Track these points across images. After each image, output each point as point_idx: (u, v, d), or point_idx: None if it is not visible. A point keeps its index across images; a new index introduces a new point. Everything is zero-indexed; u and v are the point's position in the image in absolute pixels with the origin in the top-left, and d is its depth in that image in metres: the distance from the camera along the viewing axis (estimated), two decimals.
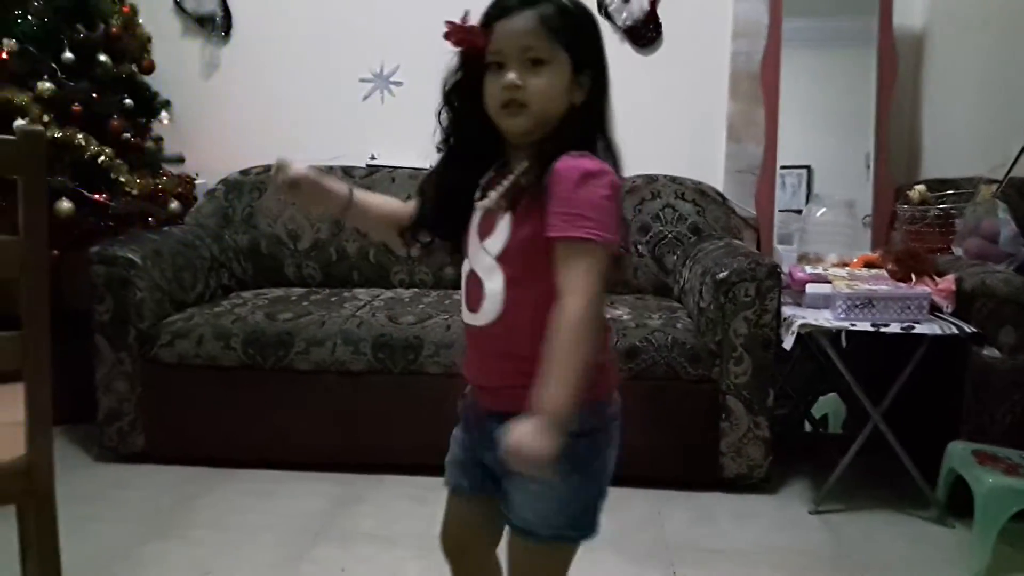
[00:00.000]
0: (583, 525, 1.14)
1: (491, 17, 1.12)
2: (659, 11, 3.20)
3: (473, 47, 1.11)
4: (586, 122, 1.13)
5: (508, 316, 1.11)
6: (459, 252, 1.22)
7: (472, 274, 1.15)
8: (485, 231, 1.14)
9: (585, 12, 1.15)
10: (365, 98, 3.29)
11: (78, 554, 1.46)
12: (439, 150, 1.21)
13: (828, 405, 2.98)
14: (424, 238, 1.26)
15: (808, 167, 3.34)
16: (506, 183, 1.13)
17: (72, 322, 2.61)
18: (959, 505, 2.10)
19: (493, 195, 1.14)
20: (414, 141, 3.26)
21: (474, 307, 1.14)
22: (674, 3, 3.19)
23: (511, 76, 1.09)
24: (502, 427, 0.99)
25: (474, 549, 1.31)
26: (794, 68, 3.12)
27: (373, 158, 3.22)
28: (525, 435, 0.95)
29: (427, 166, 3.34)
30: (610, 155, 1.13)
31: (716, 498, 2.34)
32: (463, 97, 1.15)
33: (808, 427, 2.97)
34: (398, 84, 3.28)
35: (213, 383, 2.46)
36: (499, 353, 1.14)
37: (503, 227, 1.11)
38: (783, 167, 3.23)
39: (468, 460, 1.23)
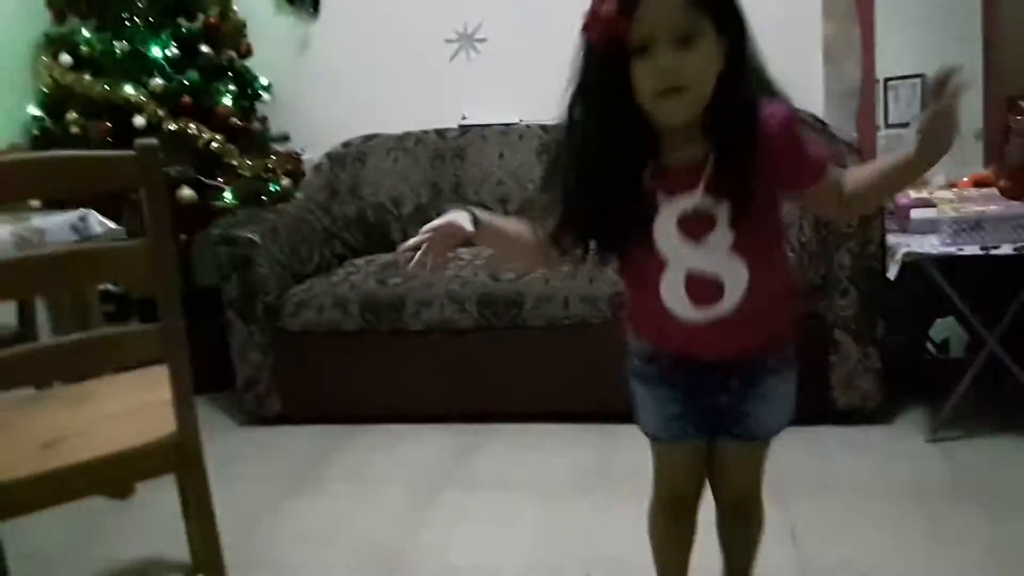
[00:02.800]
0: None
1: (629, 2, 1.02)
2: None
3: (616, 37, 1.02)
4: (745, 84, 1.08)
5: (754, 298, 1.13)
6: (610, 257, 1.18)
7: (695, 274, 1.12)
8: (699, 229, 1.10)
9: None
10: (451, 58, 3.34)
11: (231, 511, 1.63)
12: (569, 156, 1.13)
13: (948, 328, 2.89)
14: (574, 249, 1.18)
15: (922, 76, 3.19)
16: (704, 177, 1.07)
17: (206, 298, 2.85)
18: None
19: (696, 193, 1.08)
20: (502, 97, 3.32)
21: (706, 303, 1.13)
22: None
23: (665, 59, 1.02)
24: (732, 371, 1.22)
25: (693, 497, 1.38)
26: None
27: (464, 118, 3.29)
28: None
29: (517, 120, 3.33)
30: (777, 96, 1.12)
31: (828, 431, 2.34)
32: (603, 92, 1.07)
33: (931, 352, 2.90)
34: (482, 41, 3.31)
35: (336, 347, 2.63)
36: (740, 327, 1.16)
37: (723, 219, 1.09)
38: (893, 79, 3.10)
39: (694, 410, 1.26)
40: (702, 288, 1.13)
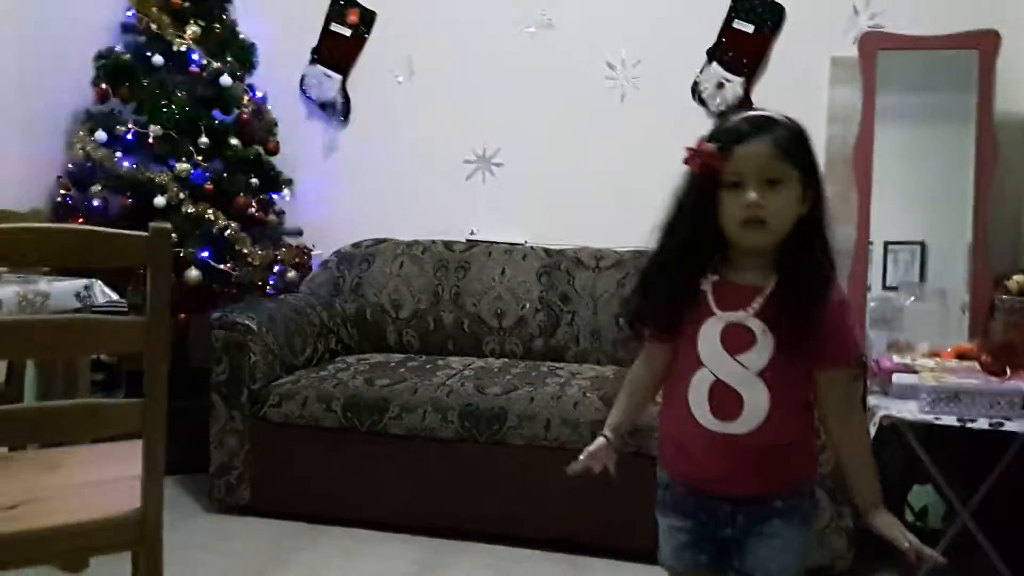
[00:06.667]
0: (802, 572, 1.36)
1: (729, 142, 1.25)
2: (753, 96, 3.27)
3: (711, 170, 1.25)
4: (815, 231, 1.28)
5: (769, 427, 1.26)
6: (662, 340, 1.36)
7: (721, 384, 1.27)
8: (738, 344, 1.26)
9: (805, 131, 1.30)
10: (468, 178, 3.49)
11: None
12: (661, 256, 1.33)
13: (926, 495, 2.87)
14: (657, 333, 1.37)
15: (922, 243, 3.30)
16: (760, 299, 1.26)
17: (196, 379, 2.88)
18: None
19: (751, 310, 1.26)
20: (511, 217, 3.45)
21: (727, 416, 1.27)
22: (768, 89, 3.26)
23: (752, 196, 1.22)
24: (738, 507, 1.30)
25: None
26: (892, 145, 3.10)
27: (473, 233, 3.40)
28: (897, 527, 1.32)
29: (523, 241, 3.45)
30: (829, 259, 1.29)
31: None
32: (694, 208, 1.29)
33: (908, 517, 2.86)
34: (498, 165, 3.46)
35: (314, 442, 2.64)
36: (752, 457, 1.28)
37: (765, 343, 1.25)
38: (893, 243, 3.20)
39: (702, 538, 1.36)
40: (724, 400, 1.26)
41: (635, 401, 1.44)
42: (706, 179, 1.26)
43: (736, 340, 1.26)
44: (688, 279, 1.30)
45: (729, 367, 1.26)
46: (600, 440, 1.43)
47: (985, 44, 2.99)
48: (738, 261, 1.29)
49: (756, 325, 1.25)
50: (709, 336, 1.27)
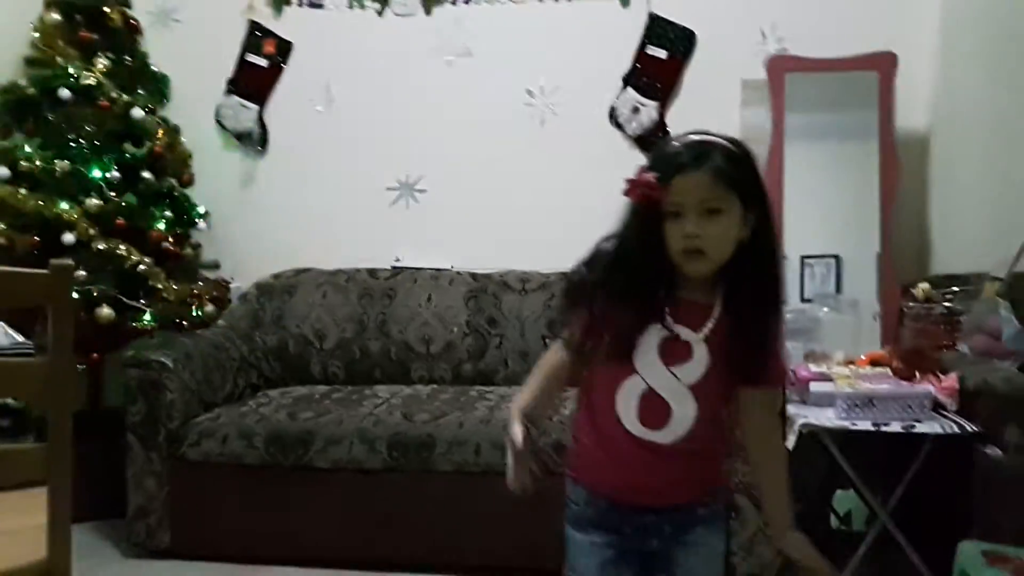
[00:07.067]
0: None
1: (668, 172, 1.23)
2: (667, 120, 3.35)
3: (651, 201, 1.24)
4: (760, 254, 1.27)
5: (694, 438, 1.28)
6: (586, 354, 1.33)
7: (652, 393, 1.27)
8: (674, 356, 1.27)
9: (747, 153, 1.28)
10: (391, 205, 3.47)
11: None
12: (605, 279, 1.29)
13: (850, 500, 2.95)
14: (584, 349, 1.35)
15: (836, 256, 3.41)
16: (711, 322, 1.27)
17: (110, 420, 2.77)
18: None
19: (702, 332, 1.27)
20: (436, 243, 3.44)
21: (653, 424, 1.28)
22: (682, 112, 3.35)
23: (691, 227, 1.22)
24: (663, 517, 1.31)
25: None
26: (803, 162, 3.22)
27: (397, 260, 3.38)
28: (807, 548, 1.34)
29: (449, 267, 3.41)
30: (776, 284, 1.30)
31: None
32: (639, 237, 1.26)
33: (833, 522, 2.93)
34: (422, 192, 3.46)
35: (236, 481, 2.55)
36: (677, 466, 1.29)
37: (701, 359, 1.27)
38: (809, 256, 3.30)
39: (628, 552, 1.34)
40: (652, 408, 1.27)
41: (548, 387, 1.41)
42: (647, 209, 1.25)
43: (673, 352, 1.27)
44: (648, 303, 1.27)
45: (662, 377, 1.27)
46: (519, 428, 1.34)
47: (884, 65, 3.14)
48: (686, 281, 1.29)
49: (696, 340, 1.27)
50: (646, 345, 1.27)
